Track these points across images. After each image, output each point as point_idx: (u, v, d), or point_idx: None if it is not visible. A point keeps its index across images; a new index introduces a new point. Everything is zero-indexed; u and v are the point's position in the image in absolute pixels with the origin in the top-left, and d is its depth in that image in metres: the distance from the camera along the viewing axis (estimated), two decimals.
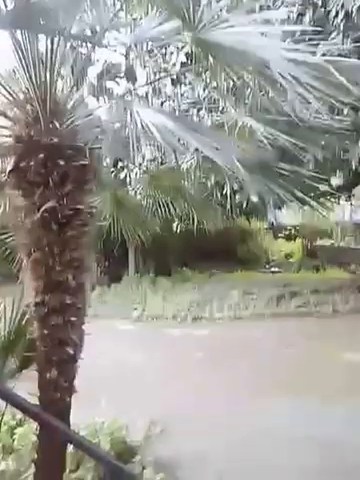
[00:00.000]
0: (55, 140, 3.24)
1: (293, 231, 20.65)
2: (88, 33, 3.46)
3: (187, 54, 7.78)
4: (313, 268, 17.38)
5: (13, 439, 5.09)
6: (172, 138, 2.96)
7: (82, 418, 4.63)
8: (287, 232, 20.75)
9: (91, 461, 4.54)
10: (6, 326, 3.80)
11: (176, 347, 9.78)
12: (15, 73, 3.47)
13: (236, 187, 7.14)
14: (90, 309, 4.10)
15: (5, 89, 3.33)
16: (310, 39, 3.66)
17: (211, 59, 3.23)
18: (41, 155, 3.23)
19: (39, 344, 3.52)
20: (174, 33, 3.45)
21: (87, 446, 3.18)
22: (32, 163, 3.25)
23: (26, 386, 3.50)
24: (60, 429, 2.94)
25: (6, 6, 2.79)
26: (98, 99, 4.27)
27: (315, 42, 3.34)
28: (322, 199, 5.01)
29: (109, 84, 5.56)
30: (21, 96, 3.39)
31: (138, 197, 5.35)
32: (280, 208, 14.17)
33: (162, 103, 9.34)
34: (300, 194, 4.21)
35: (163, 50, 8.75)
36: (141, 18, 4.08)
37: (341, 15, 6.85)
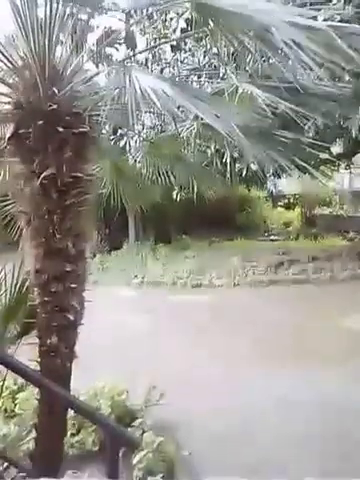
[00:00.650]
0: (54, 106, 3.22)
1: (292, 200, 20.60)
2: None
3: (187, 20, 7.68)
4: (312, 236, 17.39)
5: (15, 404, 5.16)
6: (172, 105, 2.94)
7: (83, 383, 4.68)
8: (286, 200, 20.70)
9: (92, 425, 4.62)
10: (7, 293, 3.83)
11: (176, 313, 9.85)
12: (14, 39, 3.43)
13: (236, 155, 7.13)
14: (90, 276, 4.12)
15: (4, 55, 3.30)
16: (311, 4, 3.60)
17: (211, 24, 3.19)
18: (40, 122, 3.22)
19: (40, 311, 3.55)
20: None
21: (87, 410, 3.25)
22: (31, 130, 3.24)
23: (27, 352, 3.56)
24: (60, 394, 3.00)
25: None
26: (97, 65, 4.23)
27: (317, 7, 3.29)
28: (322, 167, 4.99)
29: (108, 50, 5.51)
30: (20, 62, 3.36)
31: (138, 165, 5.33)
32: (279, 176, 14.17)
33: (162, 70, 9.25)
34: (300, 162, 4.19)
35: (163, 16, 8.62)
36: None
37: None
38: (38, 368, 3.55)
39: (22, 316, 3.85)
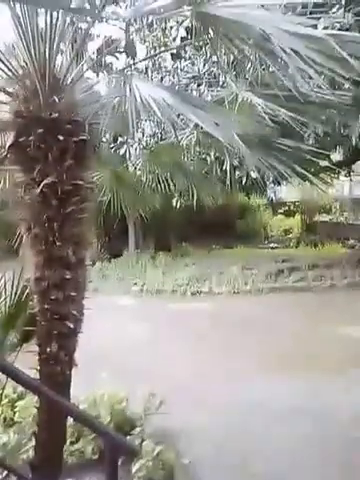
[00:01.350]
0: (54, 115, 3.23)
1: (292, 207, 20.61)
2: (87, 7, 3.42)
3: (187, 28, 7.70)
4: (312, 243, 17.39)
5: (14, 412, 5.15)
6: (171, 113, 2.95)
7: (82, 391, 4.68)
8: (286, 208, 20.71)
9: (92, 433, 4.60)
10: (7, 301, 3.83)
11: (175, 321, 9.83)
12: (14, 48, 3.45)
13: (236, 163, 7.14)
14: (90, 284, 4.12)
15: (4, 64, 3.31)
16: (311, 13, 3.62)
17: (211, 33, 3.20)
18: (40, 130, 3.23)
19: (39, 318, 3.55)
20: (174, 7, 3.40)
21: (86, 418, 3.24)
22: (32, 138, 3.25)
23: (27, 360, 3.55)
24: (60, 402, 2.99)
25: None
26: (98, 74, 4.24)
27: (316, 16, 3.31)
28: (322, 175, 4.99)
29: (109, 59, 5.53)
30: (20, 71, 3.37)
31: (138, 173, 5.34)
32: (279, 184, 14.19)
33: (162, 78, 9.26)
34: (300, 169, 4.20)
35: (163, 24, 8.64)
36: None
37: None
38: (38, 376, 3.54)
39: (22, 324, 3.84)
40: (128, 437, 4.78)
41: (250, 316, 10.12)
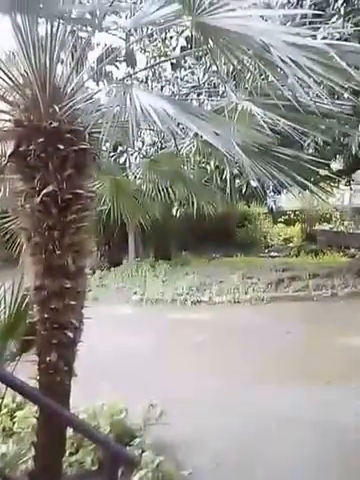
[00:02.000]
0: (55, 124, 3.24)
1: (292, 216, 20.62)
2: (88, 17, 3.44)
3: (187, 38, 7.75)
4: (312, 252, 17.39)
5: (13, 422, 5.13)
6: (171, 122, 2.95)
7: (81, 401, 4.66)
8: (287, 217, 20.72)
9: (91, 443, 4.58)
10: (6, 310, 3.82)
11: (175, 331, 9.81)
12: (15, 57, 3.46)
13: (236, 171, 7.15)
14: (90, 293, 4.11)
15: (4, 73, 3.32)
16: (310, 23, 3.63)
17: (211, 43, 3.21)
18: (41, 139, 3.24)
19: (39, 328, 3.54)
20: (174, 17, 3.41)
21: (86, 429, 3.23)
22: (32, 147, 3.25)
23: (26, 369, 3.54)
24: (59, 412, 2.98)
25: None
26: (98, 83, 4.25)
27: (315, 26, 3.32)
28: (322, 184, 4.99)
29: (109, 68, 5.54)
30: (20, 80, 3.39)
31: (138, 182, 5.35)
32: (279, 193, 14.20)
33: (162, 87, 9.30)
34: (300, 178, 4.20)
35: (163, 34, 8.69)
36: (141, 2, 4.05)
37: None
38: (37, 386, 3.53)
39: (21, 333, 3.84)
40: (128, 448, 4.76)
41: (251, 326, 10.08)
